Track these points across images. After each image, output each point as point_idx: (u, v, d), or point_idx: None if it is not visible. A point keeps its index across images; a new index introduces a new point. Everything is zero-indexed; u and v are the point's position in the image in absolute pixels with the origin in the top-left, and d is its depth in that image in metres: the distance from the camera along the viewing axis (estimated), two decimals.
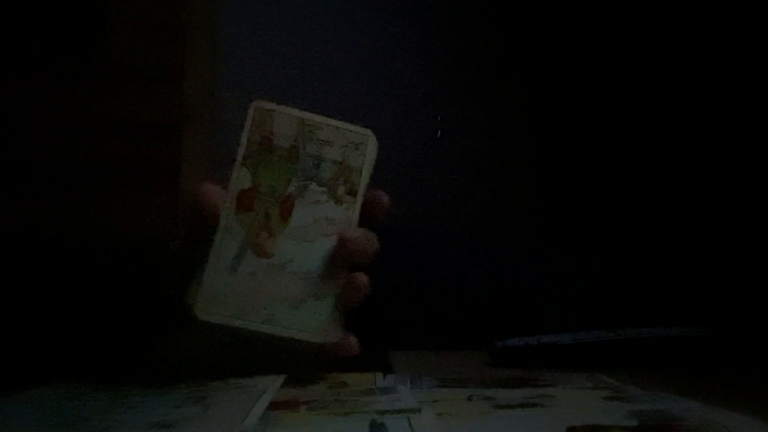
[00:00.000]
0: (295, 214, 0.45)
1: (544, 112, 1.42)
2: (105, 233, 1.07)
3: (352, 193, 0.47)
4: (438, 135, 1.28)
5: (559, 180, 1.37)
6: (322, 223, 0.46)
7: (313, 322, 0.44)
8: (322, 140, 0.47)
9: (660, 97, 1.26)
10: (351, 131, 0.48)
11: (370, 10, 1.61)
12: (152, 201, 1.12)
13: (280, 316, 0.43)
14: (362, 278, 0.45)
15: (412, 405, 0.36)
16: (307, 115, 0.47)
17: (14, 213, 1.06)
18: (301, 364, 0.45)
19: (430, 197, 1.44)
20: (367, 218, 0.46)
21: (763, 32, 1.05)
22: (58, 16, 1.10)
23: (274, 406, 0.36)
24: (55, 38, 1.12)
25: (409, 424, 0.31)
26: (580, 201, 1.30)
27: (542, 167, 1.41)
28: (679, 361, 0.55)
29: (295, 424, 0.32)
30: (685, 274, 0.82)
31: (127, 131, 1.24)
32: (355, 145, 0.47)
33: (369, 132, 0.48)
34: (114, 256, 0.78)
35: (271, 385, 0.41)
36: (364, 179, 0.47)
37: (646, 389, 0.40)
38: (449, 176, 1.46)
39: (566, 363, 0.53)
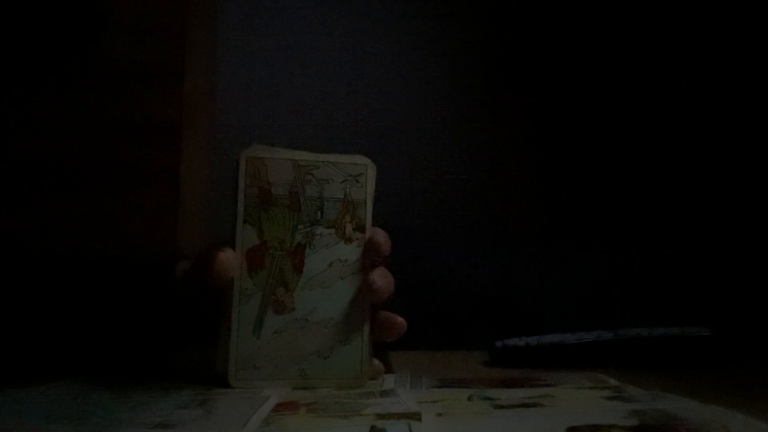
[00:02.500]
0: (308, 262, 0.44)
1: (545, 113, 1.42)
2: (105, 232, 1.07)
3: (360, 228, 0.46)
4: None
5: (560, 181, 1.37)
6: (337, 265, 0.45)
7: (345, 367, 0.44)
8: (321, 179, 0.45)
9: (660, 99, 1.26)
10: (348, 164, 0.46)
11: (371, 10, 1.61)
12: (152, 200, 1.12)
13: (312, 369, 0.43)
14: (400, 321, 0.46)
15: (412, 408, 0.36)
16: (300, 155, 0.45)
17: (14, 212, 1.06)
18: None
19: (430, 197, 1.44)
20: (372, 257, 0.46)
21: (763, 32, 1.05)
22: (58, 18, 1.09)
23: (274, 408, 0.36)
24: (55, 39, 1.12)
25: (410, 430, 0.31)
26: (580, 201, 1.30)
27: (543, 168, 1.41)
28: (679, 361, 0.55)
29: (295, 427, 0.32)
30: (685, 274, 0.82)
31: (127, 131, 1.24)
32: (354, 178, 0.46)
33: (367, 161, 0.46)
34: (114, 255, 0.78)
35: (276, 391, 0.41)
36: (369, 210, 0.46)
37: (646, 389, 0.40)
38: (449, 176, 1.46)
39: (566, 363, 0.53)
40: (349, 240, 0.45)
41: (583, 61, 1.33)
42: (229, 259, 0.43)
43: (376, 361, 0.46)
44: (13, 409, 0.37)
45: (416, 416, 0.33)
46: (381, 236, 0.46)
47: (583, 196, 1.30)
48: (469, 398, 0.39)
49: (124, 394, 0.40)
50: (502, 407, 0.36)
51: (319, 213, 0.45)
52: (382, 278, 0.45)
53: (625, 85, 1.29)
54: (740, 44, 1.12)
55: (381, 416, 0.33)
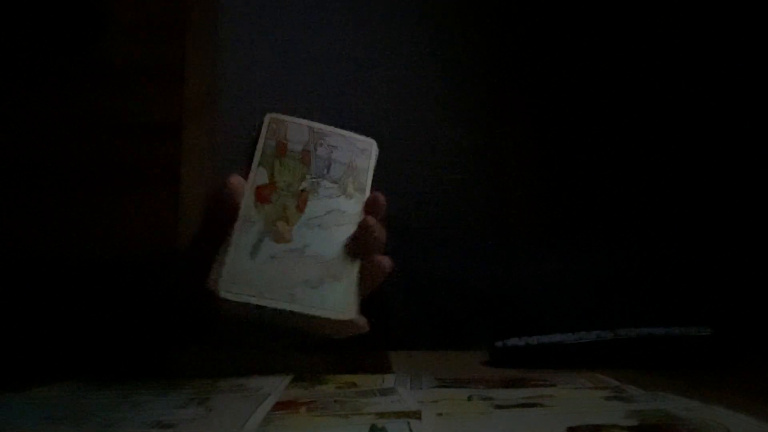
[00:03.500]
0: (310, 205, 0.49)
1: (545, 114, 1.42)
2: (105, 232, 1.07)
3: (360, 189, 0.51)
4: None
5: (560, 181, 1.37)
6: (335, 213, 0.50)
7: (332, 300, 0.46)
8: (332, 145, 0.52)
9: (660, 99, 1.26)
10: (357, 139, 0.53)
11: (371, 11, 1.61)
12: (152, 200, 1.12)
13: (301, 296, 0.46)
14: (386, 260, 0.49)
15: (412, 407, 0.36)
16: (316, 124, 0.52)
17: (14, 212, 1.06)
18: (314, 343, 0.48)
19: (431, 197, 1.44)
20: (372, 214, 0.50)
21: (763, 32, 1.05)
22: (58, 17, 1.09)
23: (275, 406, 0.36)
24: (55, 39, 1.12)
25: (410, 429, 0.31)
26: (580, 201, 1.30)
27: (543, 168, 1.42)
28: (679, 361, 0.55)
29: (295, 425, 0.32)
30: (685, 274, 0.82)
31: (127, 131, 1.24)
32: (360, 150, 0.53)
33: (372, 141, 0.53)
34: (114, 255, 0.78)
35: (275, 389, 0.41)
36: (370, 178, 0.52)
37: (646, 389, 0.40)
38: (449, 176, 1.46)
39: (566, 363, 0.53)
40: (349, 196, 0.51)
41: (583, 61, 1.34)
42: (239, 183, 0.48)
43: (362, 317, 0.48)
44: (14, 410, 0.37)
45: (416, 415, 0.33)
46: (380, 196, 0.51)
47: (583, 196, 1.30)
48: (469, 398, 0.39)
49: (123, 394, 0.41)
50: (502, 407, 0.36)
51: (326, 170, 0.51)
52: (375, 222, 0.49)
53: (625, 85, 1.30)
54: (740, 44, 1.12)
55: (381, 415, 0.33)
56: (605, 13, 1.32)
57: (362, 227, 0.49)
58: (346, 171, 0.51)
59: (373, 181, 0.52)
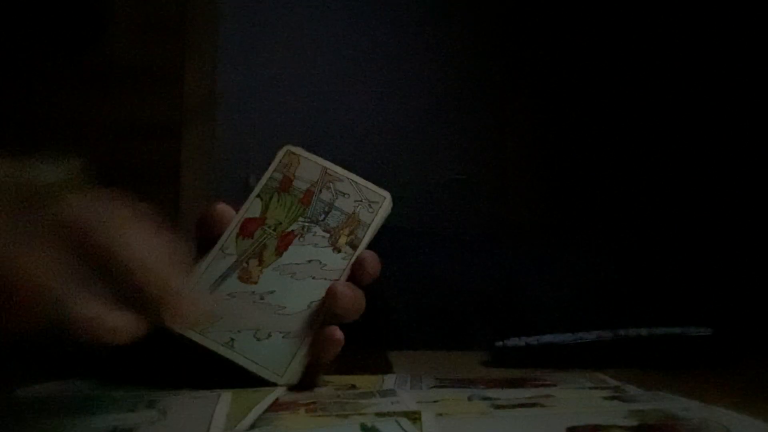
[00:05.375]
0: (291, 249, 0.45)
1: (545, 113, 1.42)
2: None
3: (353, 245, 0.46)
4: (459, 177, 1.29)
5: (560, 181, 1.37)
6: (315, 265, 0.45)
7: (272, 359, 0.42)
8: (339, 191, 0.47)
9: (660, 99, 1.26)
10: (369, 189, 0.48)
11: (370, 10, 1.61)
12: (152, 200, 1.12)
13: (241, 344, 0.42)
14: (338, 333, 0.43)
15: (412, 408, 0.36)
16: (332, 165, 0.48)
17: None
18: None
19: (431, 197, 1.44)
20: (355, 276, 0.45)
21: (763, 32, 1.05)
22: (59, 18, 1.09)
23: (275, 407, 0.36)
24: (56, 39, 1.12)
25: (400, 427, 0.30)
26: (580, 202, 1.30)
27: (543, 168, 1.42)
28: (679, 361, 0.55)
29: (291, 425, 0.32)
30: (685, 274, 0.82)
31: (127, 132, 1.24)
32: (369, 203, 0.48)
33: (387, 195, 0.48)
34: None
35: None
36: (368, 236, 0.46)
37: (646, 389, 0.40)
38: (449, 177, 1.46)
39: (566, 363, 0.53)
40: (337, 249, 0.46)
41: (585, 62, 1.34)
42: (225, 212, 0.45)
43: (323, 377, 0.45)
44: None
45: (416, 416, 0.33)
46: (370, 256, 0.45)
47: (583, 196, 1.30)
48: (469, 398, 0.39)
49: (75, 400, 0.39)
50: (502, 407, 0.36)
51: (323, 215, 0.46)
52: (348, 290, 0.44)
53: (626, 85, 1.30)
54: (740, 45, 1.12)
55: (380, 416, 0.33)
56: (607, 14, 1.32)
57: (327, 292, 0.43)
58: (344, 222, 0.46)
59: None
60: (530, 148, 1.43)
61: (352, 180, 0.48)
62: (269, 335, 0.42)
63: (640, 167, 1.28)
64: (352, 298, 0.44)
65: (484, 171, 1.49)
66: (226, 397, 0.36)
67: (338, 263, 0.45)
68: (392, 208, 0.48)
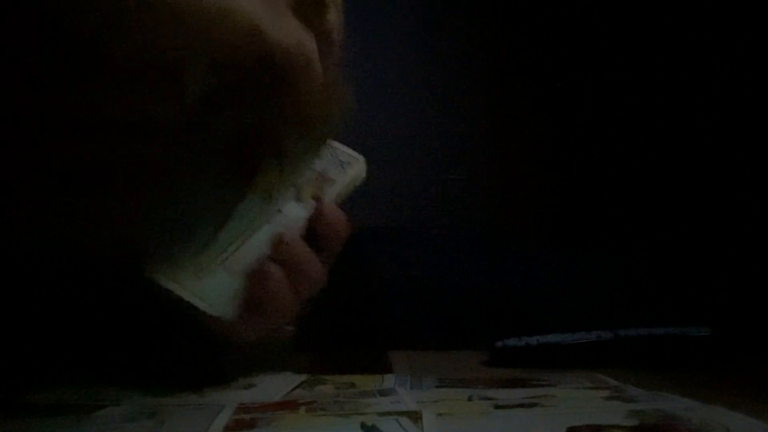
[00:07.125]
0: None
1: (545, 112, 1.42)
2: (100, 234, 1.06)
3: (317, 198, 0.46)
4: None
5: (560, 180, 1.37)
6: (272, 213, 0.44)
7: (210, 293, 0.41)
8: None
9: (659, 97, 1.26)
10: (344, 152, 0.48)
11: (370, 11, 1.61)
12: (150, 201, 1.12)
13: (185, 277, 0.41)
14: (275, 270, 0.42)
15: (411, 407, 0.36)
16: None
17: (14, 212, 1.05)
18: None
19: (430, 197, 1.44)
20: (318, 229, 0.44)
21: (763, 32, 1.05)
22: (60, 18, 1.09)
23: (274, 406, 0.36)
24: (53, 37, 1.12)
25: (400, 426, 0.31)
26: (580, 201, 1.30)
27: (542, 167, 1.41)
28: (679, 361, 0.55)
29: (291, 425, 0.32)
30: (685, 274, 0.82)
31: (126, 131, 1.24)
32: (340, 162, 0.48)
33: (361, 157, 0.48)
34: (114, 255, 0.78)
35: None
36: (334, 192, 0.46)
37: (646, 389, 0.40)
38: (449, 176, 1.46)
39: (566, 363, 0.53)
40: (299, 200, 0.45)
41: (585, 61, 1.34)
42: None
43: (289, 327, 0.44)
44: None
45: (416, 416, 0.33)
46: (335, 210, 0.45)
47: (583, 196, 1.30)
48: (469, 398, 0.39)
49: (65, 408, 0.39)
50: (502, 407, 0.36)
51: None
52: (293, 241, 0.43)
53: (625, 83, 1.30)
54: (740, 45, 1.12)
55: (380, 415, 0.33)
56: (607, 14, 1.32)
57: (272, 241, 0.42)
58: (313, 178, 0.46)
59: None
60: (530, 148, 1.43)
61: (330, 144, 0.47)
62: (213, 271, 0.41)
63: (639, 167, 1.28)
64: (299, 252, 0.43)
65: (483, 171, 1.49)
66: (228, 408, 0.36)
67: (297, 212, 0.45)
68: (367, 172, 0.48)
